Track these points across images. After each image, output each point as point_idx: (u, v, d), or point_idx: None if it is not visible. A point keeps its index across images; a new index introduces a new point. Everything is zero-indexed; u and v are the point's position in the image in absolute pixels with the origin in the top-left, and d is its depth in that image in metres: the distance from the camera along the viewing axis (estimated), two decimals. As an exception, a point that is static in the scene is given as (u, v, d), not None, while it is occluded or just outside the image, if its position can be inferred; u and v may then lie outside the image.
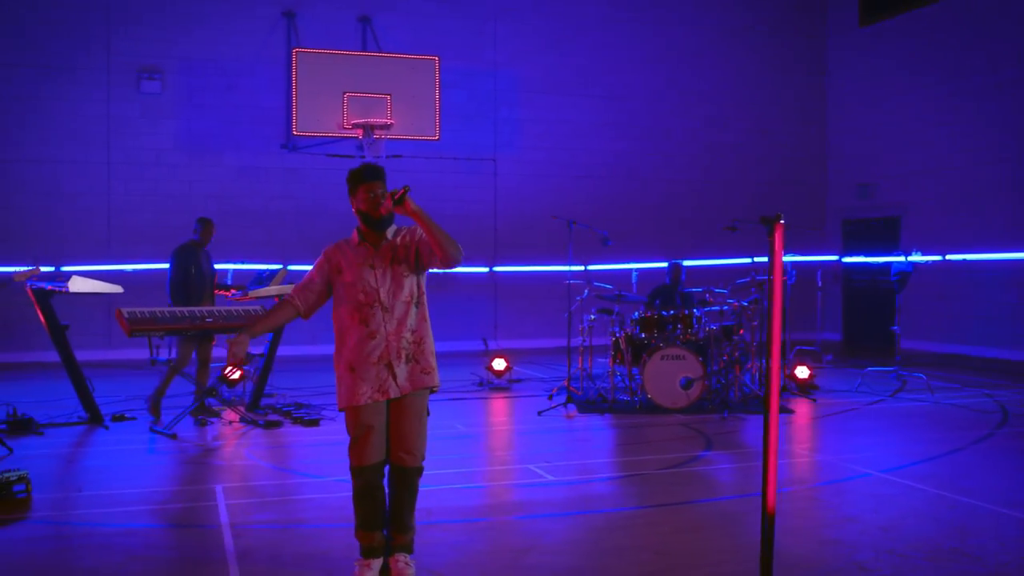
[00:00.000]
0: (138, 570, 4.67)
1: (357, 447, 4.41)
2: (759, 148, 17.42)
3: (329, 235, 16.69)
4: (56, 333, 8.56)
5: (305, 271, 15.33)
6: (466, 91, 15.67)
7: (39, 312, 8.54)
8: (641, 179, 16.64)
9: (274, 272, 9.39)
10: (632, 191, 16.52)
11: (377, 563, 4.47)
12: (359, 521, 4.48)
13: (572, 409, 9.46)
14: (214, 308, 8.64)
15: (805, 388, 10.48)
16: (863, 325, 16.61)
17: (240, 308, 8.82)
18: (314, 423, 8.66)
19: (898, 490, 6.20)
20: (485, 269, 15.81)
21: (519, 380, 11.61)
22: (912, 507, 5.80)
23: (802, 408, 9.53)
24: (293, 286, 9.42)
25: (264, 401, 9.62)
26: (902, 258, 10.43)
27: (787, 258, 12.43)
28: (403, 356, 4.42)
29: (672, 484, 6.45)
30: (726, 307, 10.06)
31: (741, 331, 10.05)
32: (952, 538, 5.10)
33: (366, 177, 4.43)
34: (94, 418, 8.59)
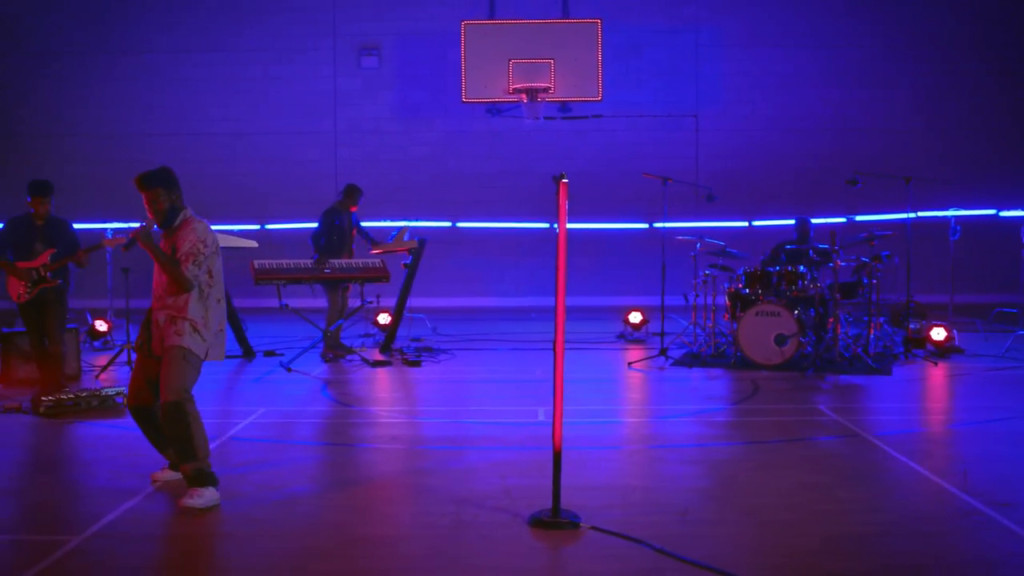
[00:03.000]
0: (120, 462, 5.93)
1: (128, 388, 5.42)
2: (997, 92, 15.79)
3: (532, 194, 17.63)
4: (214, 280, 10.22)
5: (511, 228, 16.14)
6: (665, 49, 15.76)
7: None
8: (856, 131, 15.80)
9: (399, 229, 10.47)
10: (846, 144, 15.71)
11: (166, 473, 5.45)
12: None
13: (667, 363, 9.70)
14: (334, 260, 9.86)
15: (943, 351, 9.82)
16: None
17: (360, 261, 9.98)
18: (416, 364, 9.66)
19: (855, 451, 6.02)
20: (691, 224, 15.86)
21: (662, 333, 11.81)
22: (835, 467, 5.67)
23: (913, 371, 9.02)
24: (416, 241, 10.46)
25: (413, 346, 10.67)
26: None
27: (953, 212, 11.54)
28: (159, 322, 5.19)
29: (636, 429, 6.69)
30: (843, 264, 9.66)
31: (860, 290, 9.64)
32: (819, 500, 5.00)
33: (140, 187, 5.12)
34: (246, 352, 10.23)
